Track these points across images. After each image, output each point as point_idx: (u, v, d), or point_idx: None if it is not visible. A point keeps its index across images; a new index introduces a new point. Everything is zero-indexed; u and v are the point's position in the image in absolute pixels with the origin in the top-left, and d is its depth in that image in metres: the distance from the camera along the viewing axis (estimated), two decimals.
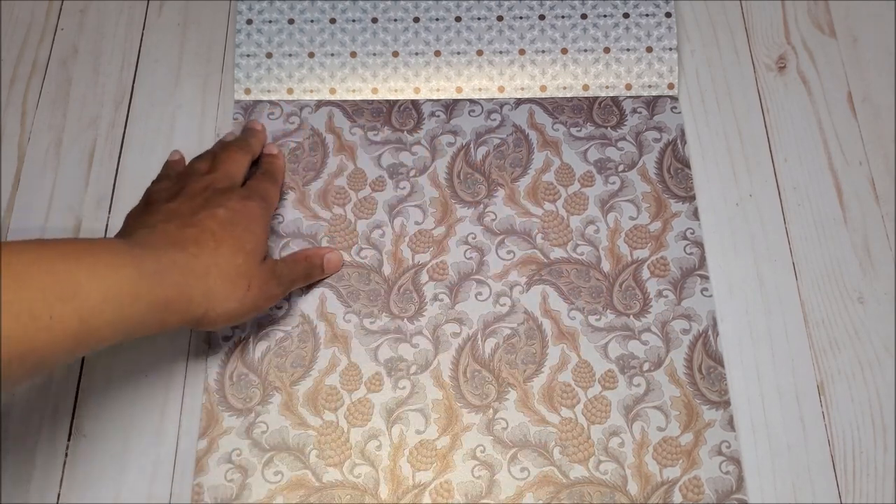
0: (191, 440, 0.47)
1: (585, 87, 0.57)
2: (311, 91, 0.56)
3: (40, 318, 0.34)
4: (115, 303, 0.37)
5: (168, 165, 0.53)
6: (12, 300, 0.34)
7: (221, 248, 0.43)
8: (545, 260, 0.52)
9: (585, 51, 0.57)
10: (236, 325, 0.49)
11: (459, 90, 0.57)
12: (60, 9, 0.60)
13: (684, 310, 0.50)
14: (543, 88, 0.57)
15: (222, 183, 0.48)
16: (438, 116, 0.56)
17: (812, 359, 0.49)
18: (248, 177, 0.52)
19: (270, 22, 0.57)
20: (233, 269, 0.43)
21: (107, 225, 0.53)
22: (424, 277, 0.51)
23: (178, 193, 0.47)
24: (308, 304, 0.51)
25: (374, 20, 0.57)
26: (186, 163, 0.53)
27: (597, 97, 0.57)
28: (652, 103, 0.56)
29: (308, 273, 0.50)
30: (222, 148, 0.52)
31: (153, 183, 0.51)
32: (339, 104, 0.56)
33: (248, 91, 0.56)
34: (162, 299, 0.39)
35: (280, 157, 0.54)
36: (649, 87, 0.57)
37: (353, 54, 0.56)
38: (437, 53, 0.57)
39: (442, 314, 0.50)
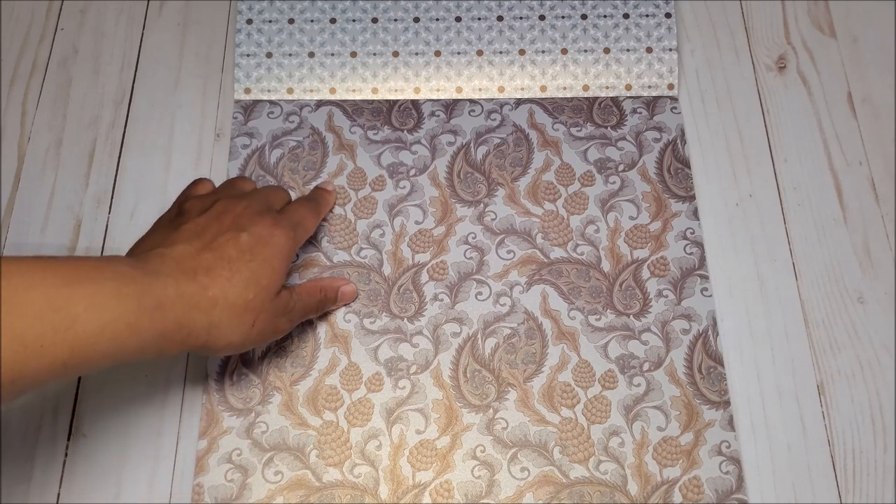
0: (191, 440, 0.47)
1: (585, 88, 0.57)
2: (312, 91, 0.56)
3: (31, 346, 0.34)
4: (112, 334, 0.36)
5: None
6: (5, 326, 0.33)
7: (234, 279, 0.41)
8: (545, 260, 0.52)
9: (585, 51, 0.57)
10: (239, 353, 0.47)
11: (459, 90, 0.57)
12: (60, 9, 0.60)
13: (684, 310, 0.50)
14: (543, 89, 0.57)
15: (257, 205, 0.46)
16: (438, 116, 0.56)
17: (812, 359, 0.49)
18: None
19: (270, 22, 0.57)
20: (241, 303, 0.41)
21: (106, 225, 0.53)
22: (424, 277, 0.51)
23: (209, 207, 0.45)
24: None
25: (375, 20, 0.57)
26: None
27: (597, 97, 0.57)
28: (652, 103, 0.56)
29: (321, 305, 0.49)
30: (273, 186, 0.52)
31: (192, 185, 0.49)
32: (339, 104, 0.57)
33: (248, 91, 0.56)
34: (161, 332, 0.38)
35: (332, 193, 0.53)
36: (649, 87, 0.57)
37: (354, 54, 0.57)
38: (438, 53, 0.57)
39: (442, 314, 0.50)
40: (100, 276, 0.37)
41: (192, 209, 0.45)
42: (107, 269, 0.38)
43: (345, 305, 0.50)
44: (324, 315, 0.50)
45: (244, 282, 0.42)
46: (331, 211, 0.53)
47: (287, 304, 0.45)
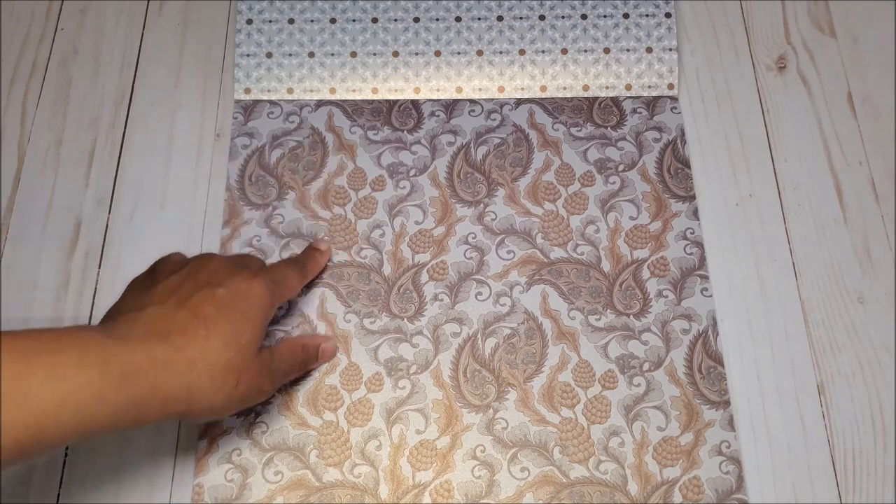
0: (191, 440, 0.47)
1: (585, 88, 0.57)
2: (311, 91, 0.56)
3: None
4: (75, 405, 0.34)
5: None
6: None
7: (212, 338, 0.39)
8: (545, 260, 0.52)
9: (585, 51, 0.57)
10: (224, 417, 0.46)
11: (459, 90, 0.57)
12: (60, 9, 0.60)
13: (684, 310, 0.50)
14: (543, 88, 0.57)
15: (233, 262, 0.44)
16: (438, 116, 0.56)
17: (812, 359, 0.49)
18: None
19: (270, 22, 0.57)
20: (221, 362, 0.39)
21: (106, 225, 0.53)
22: (424, 277, 0.51)
23: (184, 266, 0.43)
24: (308, 304, 0.51)
25: (375, 20, 0.57)
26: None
27: (597, 97, 0.57)
28: (652, 103, 0.56)
29: (304, 363, 0.47)
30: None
31: (170, 254, 0.46)
32: (338, 104, 0.57)
33: (248, 91, 0.56)
34: (133, 399, 0.36)
35: (325, 255, 0.51)
36: (649, 87, 0.57)
37: (354, 54, 0.57)
38: (437, 53, 0.57)
39: (442, 314, 0.50)
40: (59, 346, 0.35)
41: (164, 270, 0.43)
42: (68, 338, 0.36)
43: (325, 363, 0.49)
44: (324, 315, 0.50)
45: (223, 340, 0.40)
46: (321, 273, 0.51)
47: (270, 364, 0.43)
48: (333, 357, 0.49)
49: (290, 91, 0.56)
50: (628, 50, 0.57)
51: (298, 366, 0.47)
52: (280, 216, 0.53)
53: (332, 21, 0.57)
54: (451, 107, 0.56)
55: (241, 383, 0.40)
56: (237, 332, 0.40)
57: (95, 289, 0.51)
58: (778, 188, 0.54)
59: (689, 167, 0.55)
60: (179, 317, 0.39)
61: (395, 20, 0.57)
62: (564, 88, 0.57)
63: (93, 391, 0.35)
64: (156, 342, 0.38)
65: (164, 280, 0.42)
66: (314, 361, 0.48)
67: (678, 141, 0.55)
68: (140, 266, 0.51)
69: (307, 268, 0.49)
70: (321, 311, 0.50)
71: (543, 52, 0.57)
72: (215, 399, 0.39)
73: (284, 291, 0.45)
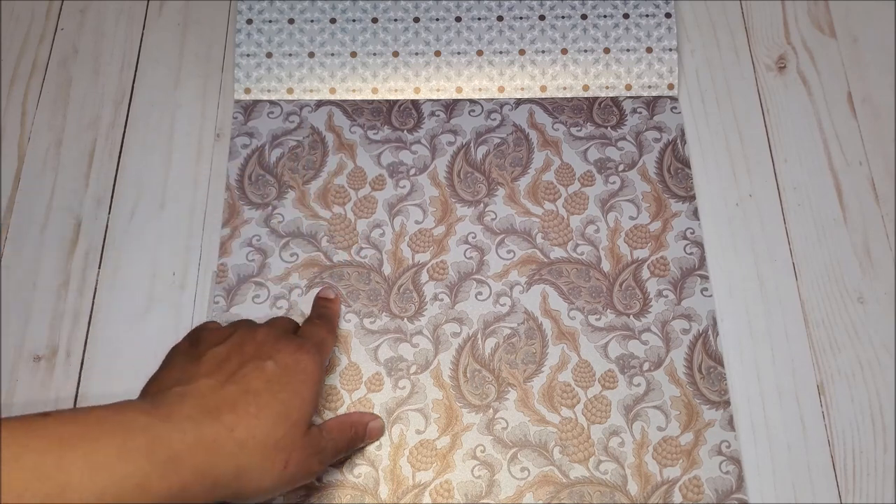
0: None
1: (585, 88, 0.57)
2: (311, 91, 0.56)
3: None
4: (115, 497, 0.32)
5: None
6: None
7: (262, 415, 0.38)
8: (545, 259, 0.52)
9: (585, 51, 0.57)
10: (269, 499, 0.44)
11: (459, 90, 0.57)
12: (60, 9, 0.60)
13: (684, 310, 0.50)
14: (543, 89, 0.57)
15: (276, 331, 0.43)
16: (438, 116, 0.56)
17: (812, 359, 0.49)
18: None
19: (270, 22, 0.57)
20: (271, 442, 0.38)
21: (106, 225, 0.53)
22: (424, 277, 0.51)
23: (228, 336, 0.42)
24: (308, 304, 0.50)
25: (375, 20, 0.57)
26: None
27: (597, 97, 0.57)
28: (652, 103, 0.56)
29: (352, 442, 0.45)
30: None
31: (201, 325, 0.45)
32: (339, 104, 0.57)
33: (248, 91, 0.56)
34: (178, 487, 0.34)
35: (336, 301, 0.50)
36: (649, 87, 0.57)
37: (354, 54, 0.57)
38: (437, 53, 0.57)
39: (442, 314, 0.50)
40: (101, 430, 0.34)
41: (208, 339, 0.42)
42: (111, 420, 0.34)
43: (373, 442, 0.47)
44: None
45: (273, 417, 0.38)
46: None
47: (319, 443, 0.41)
48: (381, 436, 0.47)
49: (290, 91, 0.56)
50: (628, 50, 0.57)
51: (347, 444, 0.44)
52: (280, 216, 0.53)
53: (332, 21, 0.57)
54: (451, 107, 0.56)
55: (291, 464, 0.39)
56: (288, 408, 0.39)
57: (95, 289, 0.51)
58: (778, 188, 0.54)
59: (689, 167, 0.55)
60: (229, 392, 0.38)
61: (395, 20, 0.57)
62: (564, 88, 0.57)
63: (136, 482, 0.33)
64: (206, 421, 0.36)
65: (210, 350, 0.40)
66: (361, 441, 0.46)
67: (678, 141, 0.55)
68: (140, 265, 0.52)
69: (333, 322, 0.48)
70: None
71: (543, 52, 0.57)
72: (264, 481, 0.38)
73: (325, 356, 0.45)
